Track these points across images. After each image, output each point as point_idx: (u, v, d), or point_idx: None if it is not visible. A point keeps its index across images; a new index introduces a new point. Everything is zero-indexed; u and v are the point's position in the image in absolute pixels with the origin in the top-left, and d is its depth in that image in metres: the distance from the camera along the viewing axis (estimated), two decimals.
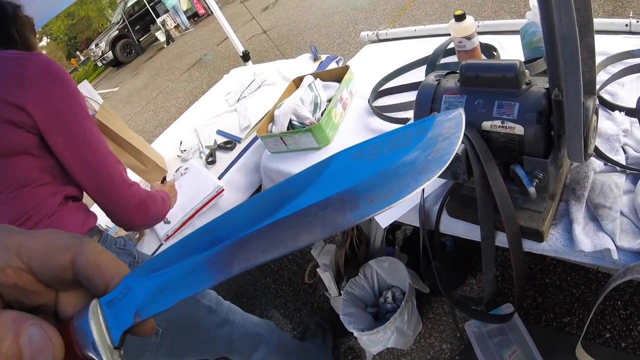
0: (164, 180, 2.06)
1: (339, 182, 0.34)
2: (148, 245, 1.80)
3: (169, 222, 1.75)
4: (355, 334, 1.85)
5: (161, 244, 1.76)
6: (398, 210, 1.30)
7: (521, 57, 1.40)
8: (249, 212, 0.36)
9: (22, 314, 0.32)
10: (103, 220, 2.17)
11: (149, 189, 1.54)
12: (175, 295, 0.34)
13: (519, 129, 0.92)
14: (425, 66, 1.74)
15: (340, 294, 2.05)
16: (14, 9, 1.34)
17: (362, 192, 0.33)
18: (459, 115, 0.35)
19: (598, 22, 1.48)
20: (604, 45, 1.41)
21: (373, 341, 1.84)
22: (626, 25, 1.48)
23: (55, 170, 1.26)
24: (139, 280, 0.35)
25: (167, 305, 0.34)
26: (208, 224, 0.36)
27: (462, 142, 0.96)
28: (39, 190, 1.21)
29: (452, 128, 0.34)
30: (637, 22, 1.46)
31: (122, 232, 1.87)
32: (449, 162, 0.33)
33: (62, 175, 1.28)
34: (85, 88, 1.96)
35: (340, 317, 1.92)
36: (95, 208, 1.57)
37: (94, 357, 0.33)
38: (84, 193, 1.34)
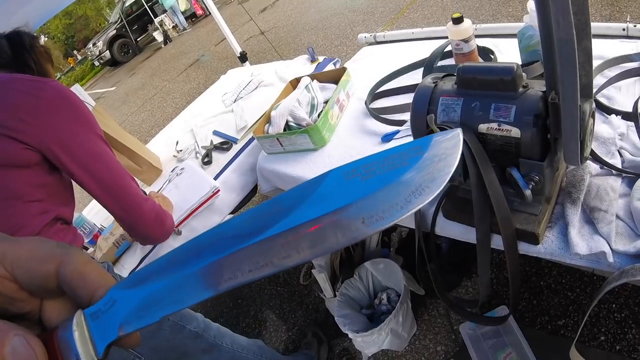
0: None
1: (330, 202, 0.34)
2: (143, 247, 1.79)
3: (180, 233, 1.76)
4: (350, 335, 1.85)
5: (155, 246, 1.75)
6: None
7: (518, 61, 1.40)
8: (238, 228, 0.35)
9: (6, 323, 0.32)
10: (98, 220, 2.18)
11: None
12: (160, 311, 0.33)
13: (515, 132, 0.92)
14: (422, 69, 1.74)
15: (335, 295, 2.04)
16: (31, 39, 1.40)
17: (354, 212, 0.32)
18: (457, 135, 0.34)
19: (595, 26, 1.48)
20: (601, 49, 1.42)
21: (368, 343, 1.84)
22: (623, 29, 1.49)
23: (53, 189, 1.28)
24: (124, 293, 0.35)
25: (152, 321, 0.33)
26: (195, 238, 0.36)
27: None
28: (30, 206, 1.22)
29: (449, 149, 0.34)
30: (635, 26, 1.46)
31: (119, 231, 1.86)
32: (445, 184, 0.32)
33: (59, 196, 1.31)
34: (76, 91, 1.96)
35: (335, 318, 1.92)
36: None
37: None
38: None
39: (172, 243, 1.72)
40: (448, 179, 0.32)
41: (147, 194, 1.86)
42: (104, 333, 0.34)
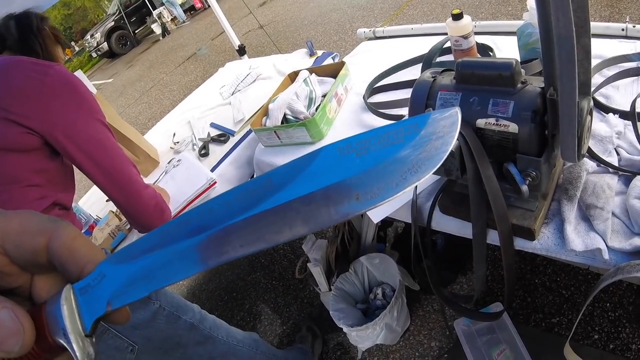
0: None
1: (324, 177, 0.33)
2: (138, 236, 1.79)
3: None
4: (345, 329, 1.85)
5: None
6: (390, 206, 1.30)
7: (517, 58, 1.40)
8: (230, 203, 0.35)
9: None
10: (94, 211, 2.17)
11: None
12: (149, 286, 0.33)
13: (513, 127, 0.92)
14: (421, 64, 1.74)
15: (330, 290, 2.05)
16: (39, 21, 1.38)
17: (347, 188, 0.32)
18: (455, 113, 0.34)
19: (595, 25, 1.49)
20: (600, 49, 1.42)
21: (362, 337, 1.84)
22: (622, 29, 1.49)
23: (52, 175, 1.28)
24: (113, 267, 0.34)
25: (140, 296, 0.33)
26: (186, 213, 0.35)
27: (457, 139, 0.96)
28: (28, 190, 1.22)
29: (446, 127, 0.33)
30: (634, 27, 1.46)
31: (114, 222, 1.86)
32: (442, 162, 0.32)
33: (59, 182, 1.31)
34: (79, 77, 1.95)
35: (330, 312, 1.92)
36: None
37: (64, 343, 0.32)
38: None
39: None
40: (445, 157, 0.32)
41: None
42: (92, 308, 0.33)
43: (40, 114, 1.17)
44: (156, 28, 14.49)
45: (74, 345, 0.32)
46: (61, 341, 0.32)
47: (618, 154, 1.08)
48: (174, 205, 1.75)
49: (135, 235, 1.80)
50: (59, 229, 0.36)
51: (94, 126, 1.27)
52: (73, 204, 1.45)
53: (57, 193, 1.30)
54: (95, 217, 2.10)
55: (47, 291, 0.36)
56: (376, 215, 1.37)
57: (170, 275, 0.33)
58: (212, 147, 2.09)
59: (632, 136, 1.10)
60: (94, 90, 1.91)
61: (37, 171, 1.23)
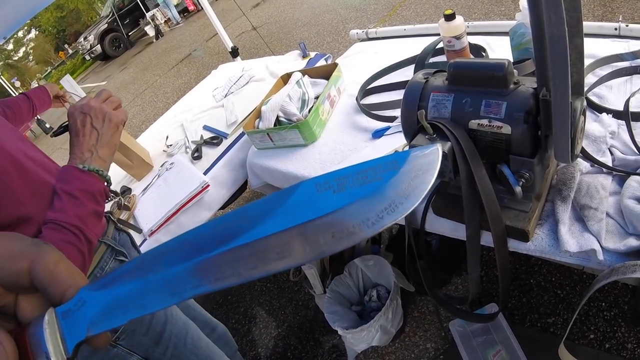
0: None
1: (300, 214, 0.33)
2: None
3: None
4: (340, 332, 1.84)
5: (145, 239, 1.74)
6: None
7: (510, 58, 1.40)
8: (205, 237, 0.35)
9: None
10: None
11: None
12: (127, 314, 0.34)
13: (506, 128, 0.91)
14: (413, 65, 1.74)
15: (325, 292, 2.04)
16: None
17: (323, 226, 0.32)
18: (435, 151, 0.34)
19: (587, 25, 1.48)
20: (593, 48, 1.42)
21: (357, 339, 1.84)
22: (615, 29, 1.49)
23: None
24: (93, 294, 0.35)
25: (118, 324, 0.34)
26: (163, 244, 0.36)
27: (449, 141, 0.96)
28: None
29: (426, 165, 0.33)
30: (626, 26, 1.47)
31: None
32: (419, 202, 0.31)
33: None
34: (68, 82, 1.94)
35: (325, 314, 1.92)
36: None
37: None
38: None
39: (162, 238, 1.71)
40: (423, 196, 0.31)
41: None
42: (73, 332, 0.34)
43: None
44: (149, 30, 14.48)
45: None
46: None
47: (612, 153, 1.08)
48: (167, 209, 1.74)
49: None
50: (42, 252, 0.37)
51: None
52: None
53: None
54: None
55: (31, 311, 0.37)
56: None
57: (147, 305, 0.33)
58: (205, 150, 2.07)
59: (625, 136, 1.10)
60: (82, 94, 1.89)
61: None
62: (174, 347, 1.30)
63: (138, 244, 1.74)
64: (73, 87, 1.91)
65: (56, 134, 1.33)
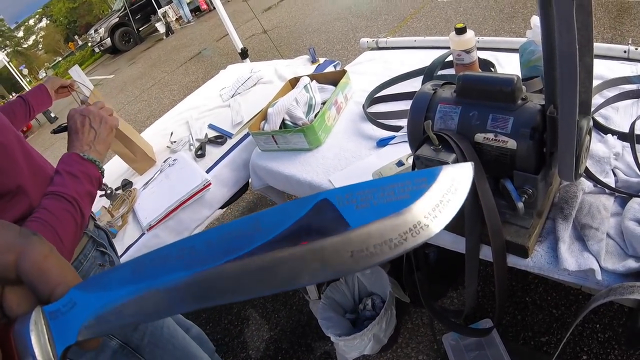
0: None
1: None
2: (130, 235, 1.78)
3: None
4: (333, 338, 1.84)
5: (143, 233, 1.74)
6: None
7: (519, 75, 1.41)
8: (213, 243, 0.32)
9: None
10: None
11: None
12: (120, 320, 0.31)
13: (511, 143, 0.91)
14: (422, 77, 1.74)
15: (320, 298, 2.04)
16: None
17: (342, 244, 0.29)
18: (468, 169, 0.31)
19: (597, 46, 1.49)
20: (602, 70, 1.42)
21: (350, 347, 1.83)
22: (624, 51, 1.49)
23: None
24: (84, 296, 0.33)
25: (110, 331, 0.32)
26: (165, 247, 0.33)
27: (454, 153, 0.96)
28: None
29: (456, 184, 0.30)
30: (636, 49, 1.47)
31: (106, 218, 1.85)
32: (444, 226, 0.29)
33: None
34: (76, 73, 1.94)
35: (319, 321, 1.91)
36: None
37: None
38: None
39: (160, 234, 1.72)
40: (450, 218, 0.29)
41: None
42: (62, 335, 0.32)
43: None
44: (160, 27, 14.55)
45: None
46: None
47: (615, 175, 1.08)
48: (167, 204, 1.74)
49: (127, 234, 1.79)
50: (30, 245, 0.34)
51: None
52: None
53: None
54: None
55: (17, 304, 0.35)
56: None
57: (141, 313, 0.31)
58: (209, 149, 2.08)
59: (629, 158, 1.10)
60: (90, 87, 1.90)
61: None
62: (151, 335, 1.32)
63: (136, 237, 1.75)
64: (81, 78, 1.90)
65: (56, 131, 1.38)
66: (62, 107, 8.63)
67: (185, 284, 0.30)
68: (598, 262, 0.91)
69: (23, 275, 0.34)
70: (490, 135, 0.94)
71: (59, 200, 0.99)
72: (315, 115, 1.73)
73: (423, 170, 0.32)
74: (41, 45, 26.70)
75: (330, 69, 2.38)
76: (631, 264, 0.87)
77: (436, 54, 1.76)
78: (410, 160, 1.31)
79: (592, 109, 1.20)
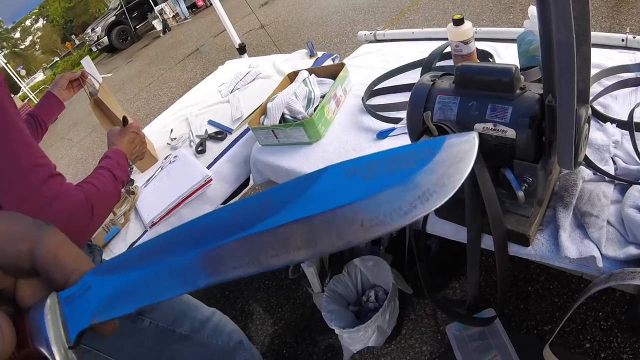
0: (125, 122, 1.60)
1: (327, 200, 0.30)
2: (133, 232, 1.79)
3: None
4: (337, 331, 1.85)
5: (146, 231, 1.74)
6: None
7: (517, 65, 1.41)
8: (224, 221, 0.33)
9: None
10: None
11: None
12: (135, 302, 0.32)
13: (510, 133, 0.92)
14: (420, 68, 1.74)
15: (323, 291, 2.04)
16: None
17: (352, 214, 0.29)
18: (472, 139, 0.31)
19: (595, 35, 1.49)
20: (600, 59, 1.42)
21: (354, 339, 1.84)
22: (622, 40, 1.49)
23: None
24: (99, 279, 0.33)
25: (126, 312, 0.32)
26: (177, 228, 0.34)
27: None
28: None
29: (462, 153, 0.30)
30: (634, 37, 1.47)
31: (110, 216, 1.85)
32: (454, 191, 0.29)
33: None
34: (87, 63, 1.95)
35: (322, 313, 1.92)
36: None
37: (46, 353, 0.31)
38: None
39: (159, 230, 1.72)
40: (458, 186, 0.29)
41: (130, 124, 1.55)
42: (77, 319, 0.32)
43: None
44: (157, 24, 14.49)
45: (57, 357, 0.31)
46: (43, 351, 0.31)
47: (614, 163, 1.08)
48: (168, 201, 1.74)
49: (129, 231, 1.80)
50: (44, 234, 0.35)
51: None
52: None
53: None
54: None
55: (31, 295, 0.35)
56: None
57: (158, 293, 0.31)
58: (209, 145, 2.08)
59: (629, 146, 1.10)
60: (99, 79, 1.90)
61: None
62: None
63: (139, 234, 1.75)
64: (92, 70, 1.91)
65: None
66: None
67: (199, 260, 0.31)
68: (599, 250, 0.91)
69: (38, 263, 0.34)
70: (490, 125, 0.95)
71: (111, 174, 1.19)
72: (315, 109, 1.73)
73: (428, 140, 0.32)
74: (38, 46, 26.67)
75: (328, 62, 2.38)
76: (632, 250, 0.88)
77: (434, 45, 1.76)
78: None
79: (591, 98, 1.20)
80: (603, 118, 1.21)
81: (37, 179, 0.97)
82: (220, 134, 2.10)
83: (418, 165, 0.30)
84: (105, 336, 0.34)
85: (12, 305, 0.35)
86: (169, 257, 0.32)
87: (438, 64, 1.74)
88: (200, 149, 2.05)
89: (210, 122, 2.26)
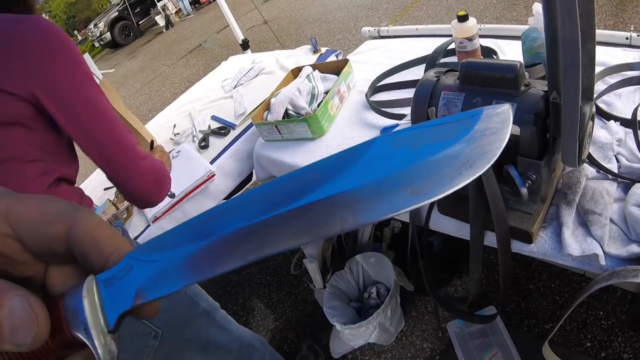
0: (152, 145, 1.84)
1: (377, 169, 0.31)
2: (135, 226, 1.79)
3: (173, 196, 1.73)
4: (338, 327, 1.85)
5: (149, 225, 1.75)
6: None
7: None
8: (273, 194, 0.32)
9: (7, 283, 0.29)
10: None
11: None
12: (182, 280, 0.30)
13: (515, 130, 0.92)
14: (424, 65, 1.74)
15: (325, 287, 2.05)
16: None
17: (403, 181, 0.29)
18: (507, 110, 0.32)
19: (599, 33, 1.49)
20: (604, 57, 1.42)
21: (355, 335, 1.85)
22: (627, 38, 1.49)
23: (52, 147, 1.13)
24: (142, 258, 0.32)
25: (172, 290, 0.30)
26: (221, 205, 0.33)
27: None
28: (27, 167, 1.09)
29: (499, 123, 0.31)
30: (638, 36, 1.47)
31: (111, 210, 1.86)
32: (496, 157, 0.29)
33: (60, 154, 1.16)
34: (87, 60, 1.95)
35: (324, 309, 1.93)
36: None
37: (84, 339, 0.30)
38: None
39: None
40: (498, 154, 0.30)
41: (154, 146, 1.82)
42: (117, 302, 0.31)
43: (22, 75, 1.02)
44: (160, 20, 14.50)
45: (96, 342, 0.30)
46: (81, 336, 0.30)
47: (618, 161, 1.08)
48: None
49: (132, 225, 1.80)
50: (81, 216, 0.33)
51: (80, 84, 1.09)
52: None
53: (60, 167, 1.16)
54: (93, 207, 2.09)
55: (62, 283, 0.34)
56: None
57: (205, 270, 0.30)
58: (212, 140, 2.08)
59: (632, 144, 1.10)
60: (100, 76, 1.90)
61: (36, 145, 1.09)
62: None
63: (142, 229, 1.76)
64: (92, 67, 1.91)
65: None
66: None
67: (242, 235, 0.30)
68: (601, 247, 0.91)
69: (75, 244, 0.32)
70: None
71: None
72: (318, 105, 1.73)
73: (466, 111, 0.32)
74: None
75: (332, 58, 2.38)
76: (634, 248, 0.88)
77: (438, 42, 1.76)
78: None
79: (595, 96, 1.20)
80: (607, 116, 1.21)
81: (133, 139, 1.19)
82: (223, 129, 2.09)
83: (459, 135, 0.31)
84: (147, 318, 0.33)
85: (40, 294, 0.33)
86: (217, 232, 0.31)
87: (442, 60, 1.74)
88: (204, 144, 2.05)
89: (214, 118, 2.25)
